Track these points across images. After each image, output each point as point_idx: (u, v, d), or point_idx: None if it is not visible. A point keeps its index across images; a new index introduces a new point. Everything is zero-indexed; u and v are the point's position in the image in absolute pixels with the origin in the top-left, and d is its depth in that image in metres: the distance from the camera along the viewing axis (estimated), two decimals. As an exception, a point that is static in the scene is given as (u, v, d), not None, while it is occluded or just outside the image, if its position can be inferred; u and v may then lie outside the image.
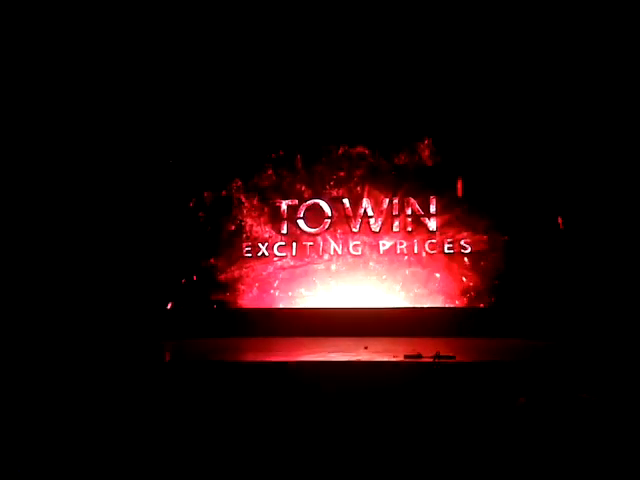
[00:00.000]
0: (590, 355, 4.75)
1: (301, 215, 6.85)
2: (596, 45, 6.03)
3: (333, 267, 6.78)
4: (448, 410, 3.87)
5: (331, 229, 6.82)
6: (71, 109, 6.73)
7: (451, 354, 4.58)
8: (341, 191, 6.82)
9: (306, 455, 3.80)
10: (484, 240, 6.50)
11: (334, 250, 6.79)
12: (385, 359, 4.75)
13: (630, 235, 5.95)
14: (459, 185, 6.55)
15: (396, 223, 6.72)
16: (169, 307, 6.83)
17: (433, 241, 6.62)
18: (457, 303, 6.45)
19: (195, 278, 6.87)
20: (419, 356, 4.59)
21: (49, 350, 5.80)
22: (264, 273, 6.85)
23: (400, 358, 4.62)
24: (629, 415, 3.50)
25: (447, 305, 6.46)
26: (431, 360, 4.46)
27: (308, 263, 6.80)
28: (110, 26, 6.44)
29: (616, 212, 6.01)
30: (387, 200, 6.74)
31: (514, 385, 3.95)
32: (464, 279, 6.50)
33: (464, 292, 6.47)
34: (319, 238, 6.83)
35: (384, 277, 6.67)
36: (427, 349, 4.75)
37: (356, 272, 6.73)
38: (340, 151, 6.82)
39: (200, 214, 6.91)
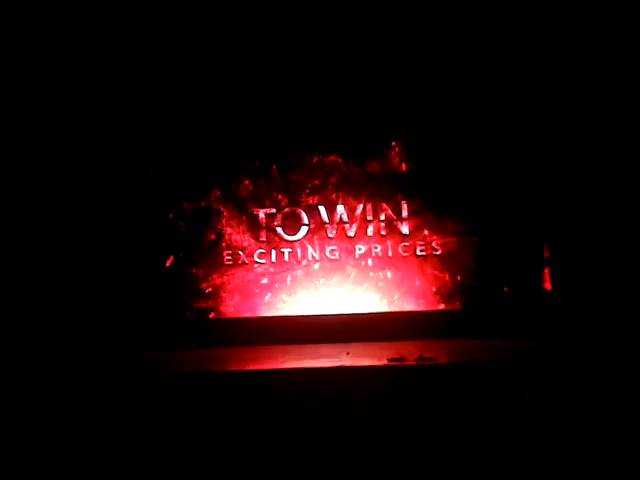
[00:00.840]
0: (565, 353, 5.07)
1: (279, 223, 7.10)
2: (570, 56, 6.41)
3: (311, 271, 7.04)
4: (435, 411, 4.16)
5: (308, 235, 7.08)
6: (44, 116, 6.81)
7: (432, 356, 4.87)
8: (317, 199, 7.07)
9: (291, 463, 4.01)
10: (454, 242, 6.83)
11: (312, 255, 7.05)
12: (368, 363, 5.01)
13: (600, 231, 6.32)
14: None
15: (370, 228, 7.01)
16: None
17: (406, 244, 6.93)
18: (432, 305, 6.77)
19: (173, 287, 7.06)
20: (402, 359, 4.85)
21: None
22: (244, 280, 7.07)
23: (384, 362, 4.87)
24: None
25: (422, 308, 6.76)
26: (414, 363, 4.74)
27: (287, 269, 7.04)
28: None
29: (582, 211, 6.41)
30: (361, 206, 7.02)
31: (496, 384, 4.24)
32: (438, 280, 6.83)
33: (438, 294, 6.80)
34: (297, 244, 7.08)
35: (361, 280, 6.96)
36: (408, 352, 5.03)
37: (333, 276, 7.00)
38: (314, 160, 7.06)
39: (180, 224, 7.09)
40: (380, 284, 6.88)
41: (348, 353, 5.48)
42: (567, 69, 6.46)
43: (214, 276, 7.05)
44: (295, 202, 7.07)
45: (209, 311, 7.01)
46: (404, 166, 6.95)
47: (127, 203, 6.98)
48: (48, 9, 6.43)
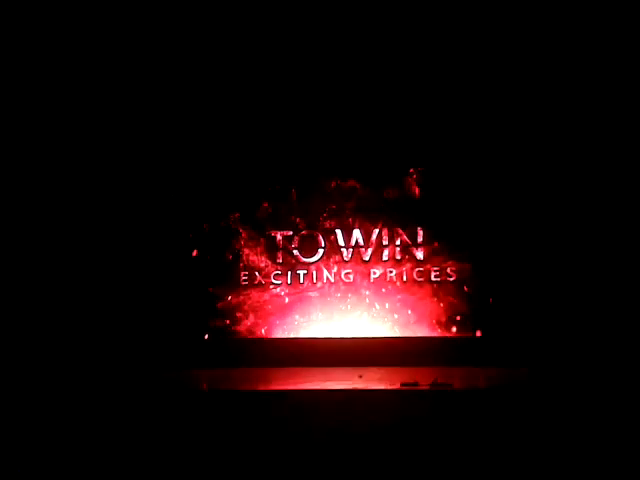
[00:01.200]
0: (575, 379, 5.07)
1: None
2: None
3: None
4: (448, 437, 4.17)
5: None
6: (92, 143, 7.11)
7: (447, 382, 4.86)
8: (333, 222, 7.18)
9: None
10: (468, 268, 6.89)
11: (327, 278, 7.14)
12: (382, 387, 5.03)
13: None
14: None
15: (385, 252, 7.09)
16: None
17: (421, 269, 7.00)
18: (445, 331, 6.82)
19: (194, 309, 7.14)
20: (416, 384, 4.84)
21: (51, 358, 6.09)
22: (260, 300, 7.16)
23: (396, 386, 4.88)
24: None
25: (436, 334, 6.81)
26: (428, 388, 4.73)
27: (302, 291, 7.13)
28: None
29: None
30: (377, 231, 7.12)
31: (512, 411, 4.24)
32: (451, 306, 6.88)
33: (451, 320, 6.84)
34: (313, 267, 7.17)
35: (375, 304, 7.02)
36: (421, 378, 5.03)
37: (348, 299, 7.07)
38: (333, 185, 7.19)
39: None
40: (394, 308, 6.95)
41: (361, 376, 5.50)
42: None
43: (230, 296, 7.16)
44: (312, 225, 7.20)
45: (223, 331, 7.11)
46: (420, 192, 7.06)
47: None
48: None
